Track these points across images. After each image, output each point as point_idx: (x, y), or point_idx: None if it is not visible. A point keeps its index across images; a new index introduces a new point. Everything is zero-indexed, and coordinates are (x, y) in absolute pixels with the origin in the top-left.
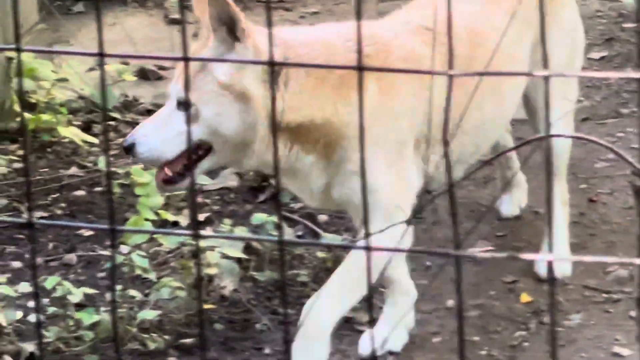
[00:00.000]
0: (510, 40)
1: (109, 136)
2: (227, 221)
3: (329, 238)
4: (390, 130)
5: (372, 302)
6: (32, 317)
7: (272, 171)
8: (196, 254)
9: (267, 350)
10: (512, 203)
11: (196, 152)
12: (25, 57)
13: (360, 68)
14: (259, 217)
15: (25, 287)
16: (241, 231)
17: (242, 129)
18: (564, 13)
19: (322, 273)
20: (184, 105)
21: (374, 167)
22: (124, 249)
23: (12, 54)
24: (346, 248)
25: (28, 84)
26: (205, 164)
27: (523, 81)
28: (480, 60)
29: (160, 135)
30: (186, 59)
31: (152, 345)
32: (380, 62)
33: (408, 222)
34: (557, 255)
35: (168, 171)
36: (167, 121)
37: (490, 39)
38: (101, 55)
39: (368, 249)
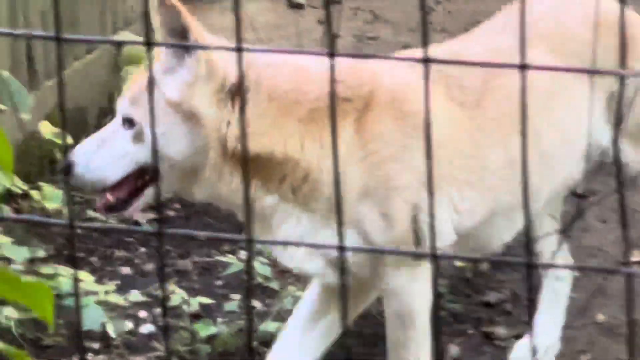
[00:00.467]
0: (558, 88)
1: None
2: None
3: None
4: (376, 177)
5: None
6: (143, 328)
7: (226, 205)
8: (342, 268)
9: None
10: None
11: (142, 177)
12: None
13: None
14: None
15: (136, 296)
16: None
17: (190, 153)
18: None
19: (461, 283)
20: (130, 122)
21: (369, 221)
22: (242, 254)
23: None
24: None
25: None
26: (152, 191)
27: (580, 132)
28: (491, 106)
29: (101, 156)
30: (331, 55)
31: None
32: (357, 106)
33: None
34: None
35: (110, 197)
36: (110, 140)
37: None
38: (239, 50)
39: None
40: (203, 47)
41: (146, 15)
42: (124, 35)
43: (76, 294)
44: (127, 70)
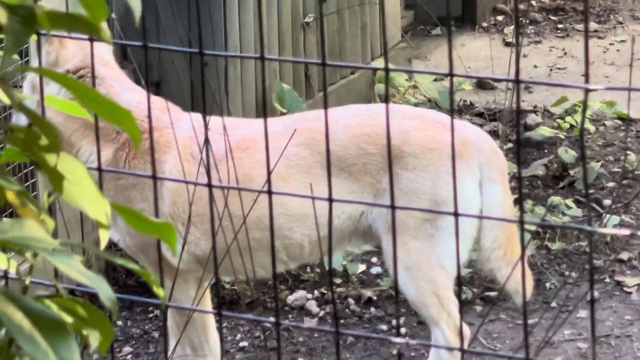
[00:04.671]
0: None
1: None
2: (530, 201)
3: (607, 218)
4: (121, 198)
5: None
6: (373, 270)
7: None
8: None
9: (553, 304)
10: None
11: None
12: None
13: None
14: (554, 200)
15: (367, 247)
16: (539, 210)
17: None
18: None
19: (602, 245)
20: None
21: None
22: None
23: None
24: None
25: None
26: None
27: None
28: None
29: None
30: (517, 81)
31: (463, 296)
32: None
33: None
34: None
35: None
36: None
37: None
38: (451, 75)
39: None
40: None
41: (386, 53)
42: (378, 62)
43: (330, 248)
44: (379, 87)
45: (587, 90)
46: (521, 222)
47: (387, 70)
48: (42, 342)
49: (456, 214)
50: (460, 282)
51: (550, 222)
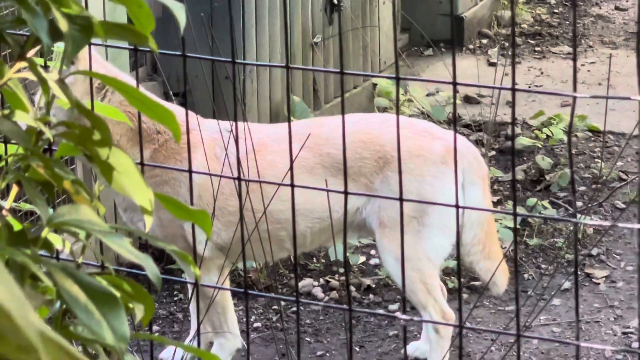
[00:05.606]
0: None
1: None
2: (509, 202)
3: (580, 218)
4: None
5: None
6: (372, 261)
7: None
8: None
9: (529, 292)
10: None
11: None
12: (385, 83)
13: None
14: (531, 201)
15: (365, 241)
16: (520, 210)
17: None
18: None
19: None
20: None
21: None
22: None
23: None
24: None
25: (384, 102)
26: None
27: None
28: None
29: None
30: (514, 89)
31: (450, 285)
32: (161, 139)
33: None
34: None
35: None
36: None
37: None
38: (454, 84)
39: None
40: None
41: (397, 63)
42: (378, 79)
43: (344, 236)
44: (378, 100)
45: (574, 98)
46: (514, 215)
47: (397, 79)
48: (96, 313)
49: (457, 206)
50: (459, 270)
51: (541, 215)
